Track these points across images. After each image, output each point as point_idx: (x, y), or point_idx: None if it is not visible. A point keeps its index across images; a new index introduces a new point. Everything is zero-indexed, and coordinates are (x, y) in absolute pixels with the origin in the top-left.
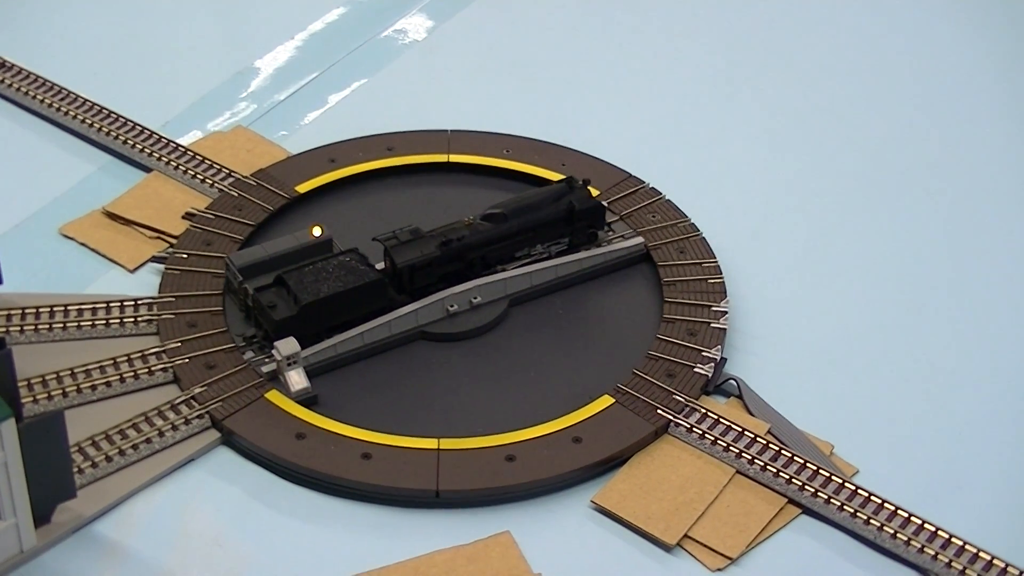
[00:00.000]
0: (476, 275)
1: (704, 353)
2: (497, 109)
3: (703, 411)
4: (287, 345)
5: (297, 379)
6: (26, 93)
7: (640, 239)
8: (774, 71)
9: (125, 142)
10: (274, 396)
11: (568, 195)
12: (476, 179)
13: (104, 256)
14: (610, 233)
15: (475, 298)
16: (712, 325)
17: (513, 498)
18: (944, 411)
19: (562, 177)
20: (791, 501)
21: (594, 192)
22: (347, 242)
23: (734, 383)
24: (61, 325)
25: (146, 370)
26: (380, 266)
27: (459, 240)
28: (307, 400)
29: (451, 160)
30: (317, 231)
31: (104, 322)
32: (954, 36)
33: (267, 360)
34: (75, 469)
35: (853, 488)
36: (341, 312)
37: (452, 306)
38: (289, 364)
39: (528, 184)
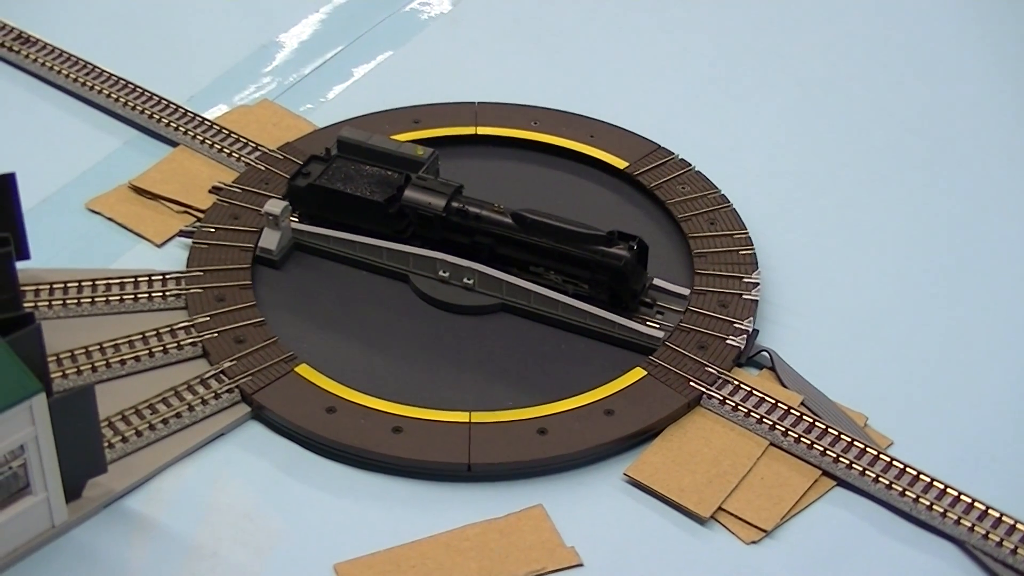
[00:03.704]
0: (480, 261)
1: (736, 325)
2: (524, 80)
3: (736, 383)
4: (274, 204)
5: (267, 237)
6: (51, 68)
7: (661, 333)
8: (804, 40)
9: (151, 116)
10: (304, 370)
11: (601, 244)
12: (503, 151)
13: (131, 231)
14: (655, 312)
15: (468, 279)
16: (744, 296)
17: (545, 471)
18: (978, 382)
19: (618, 232)
20: (825, 473)
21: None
22: None
23: (766, 355)
24: (89, 300)
25: (175, 344)
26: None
27: (473, 217)
28: (266, 261)
29: (478, 132)
30: (420, 151)
31: (132, 297)
32: (992, 8)
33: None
34: (105, 444)
35: (888, 460)
36: (343, 213)
37: (443, 271)
38: (269, 221)
39: (556, 157)
